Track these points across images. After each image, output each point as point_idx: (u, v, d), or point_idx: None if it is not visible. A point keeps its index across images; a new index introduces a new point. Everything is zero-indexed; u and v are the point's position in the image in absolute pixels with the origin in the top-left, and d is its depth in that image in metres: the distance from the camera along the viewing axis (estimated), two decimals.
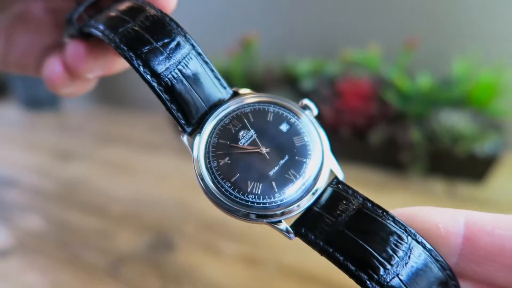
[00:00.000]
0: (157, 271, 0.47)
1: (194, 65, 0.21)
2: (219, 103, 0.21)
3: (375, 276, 0.15)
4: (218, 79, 0.21)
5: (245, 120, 0.21)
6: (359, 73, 0.74)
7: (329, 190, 0.19)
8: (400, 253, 0.16)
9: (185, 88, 0.20)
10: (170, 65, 0.20)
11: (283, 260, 0.47)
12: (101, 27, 0.22)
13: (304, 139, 0.20)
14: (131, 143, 0.91)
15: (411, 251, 0.16)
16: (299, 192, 0.19)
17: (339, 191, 0.19)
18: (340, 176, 0.20)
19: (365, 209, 0.17)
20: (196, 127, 0.20)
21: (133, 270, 0.47)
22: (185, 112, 0.20)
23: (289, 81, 0.79)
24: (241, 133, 0.20)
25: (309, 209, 0.19)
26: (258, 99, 0.21)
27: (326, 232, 0.17)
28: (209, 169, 0.19)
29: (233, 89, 0.22)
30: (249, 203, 0.18)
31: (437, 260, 0.16)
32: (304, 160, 0.20)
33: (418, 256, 0.16)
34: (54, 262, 0.49)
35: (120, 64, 0.28)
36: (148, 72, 0.20)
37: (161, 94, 0.20)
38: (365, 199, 0.18)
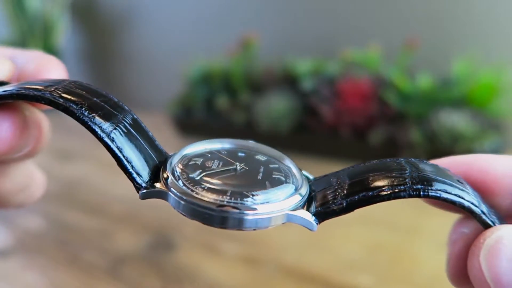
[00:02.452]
0: (157, 271, 0.47)
1: (136, 123, 0.20)
2: (166, 160, 0.20)
3: (407, 181, 0.16)
4: (156, 142, 0.21)
5: (203, 156, 0.20)
6: (359, 73, 0.74)
7: (314, 181, 0.20)
8: (407, 167, 0.17)
9: (135, 140, 0.19)
10: (115, 118, 0.19)
11: (283, 260, 0.47)
12: (15, 89, 0.18)
13: (265, 156, 0.21)
14: None
15: (412, 165, 0.17)
16: (291, 186, 0.19)
17: (322, 178, 0.19)
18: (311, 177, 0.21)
19: (354, 168, 0.18)
20: (152, 181, 0.19)
21: (133, 270, 0.47)
22: (138, 166, 0.19)
23: (289, 81, 0.79)
24: (207, 163, 0.19)
25: (309, 198, 0.19)
26: (198, 147, 0.21)
27: (339, 194, 0.17)
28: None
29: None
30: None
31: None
32: (278, 165, 0.20)
33: (424, 165, 0.17)
34: (54, 262, 0.49)
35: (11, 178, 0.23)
36: (96, 122, 0.18)
37: (111, 145, 0.18)
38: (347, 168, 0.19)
